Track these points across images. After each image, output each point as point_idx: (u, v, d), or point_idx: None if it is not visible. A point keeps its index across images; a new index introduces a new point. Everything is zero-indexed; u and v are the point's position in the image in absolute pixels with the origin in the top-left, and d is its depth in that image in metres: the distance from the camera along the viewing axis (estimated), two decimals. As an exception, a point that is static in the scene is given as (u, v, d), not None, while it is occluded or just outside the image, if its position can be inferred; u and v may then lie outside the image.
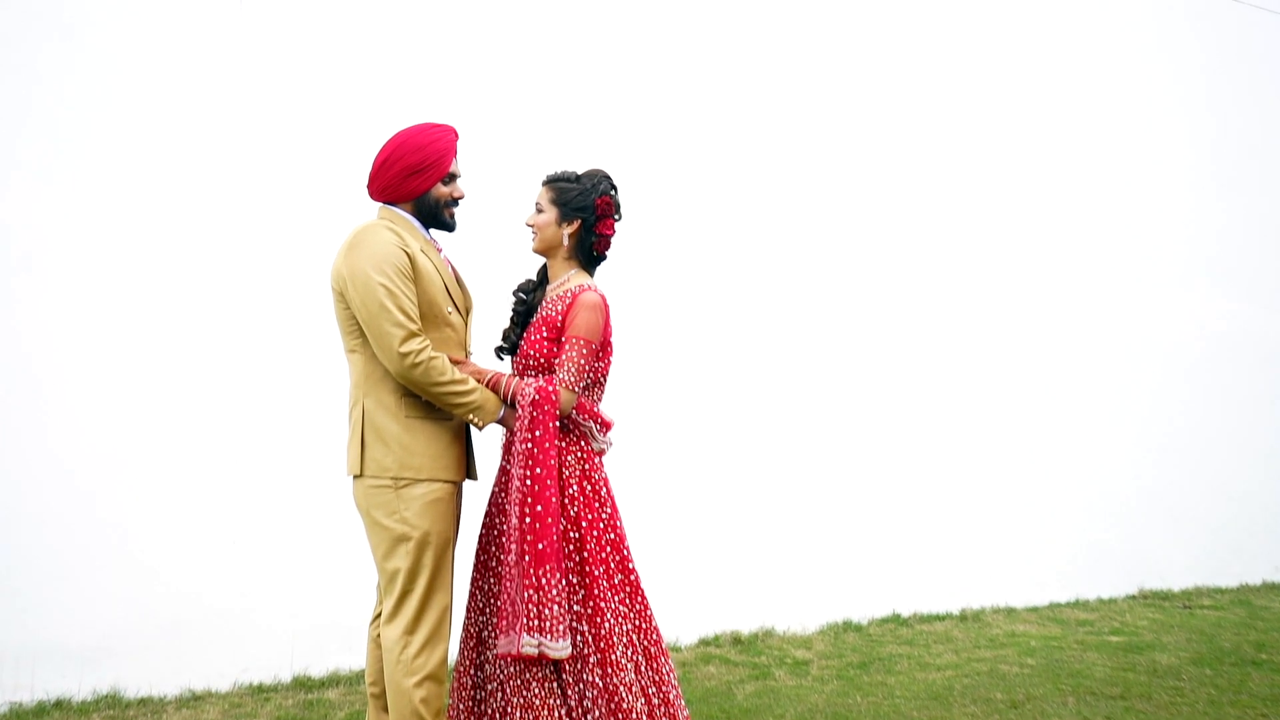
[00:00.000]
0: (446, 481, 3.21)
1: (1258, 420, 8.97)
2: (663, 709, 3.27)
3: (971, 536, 7.33)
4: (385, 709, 3.28)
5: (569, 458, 3.28)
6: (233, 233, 5.15)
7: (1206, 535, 8.41)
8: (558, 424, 3.21)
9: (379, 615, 3.36)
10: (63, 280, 4.85)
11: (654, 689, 3.29)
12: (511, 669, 3.17)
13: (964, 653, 5.91)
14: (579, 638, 3.18)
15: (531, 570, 3.07)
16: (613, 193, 3.42)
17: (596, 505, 3.29)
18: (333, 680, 5.11)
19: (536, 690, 3.14)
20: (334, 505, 3.98)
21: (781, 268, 6.87)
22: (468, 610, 3.40)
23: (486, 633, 3.32)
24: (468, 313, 3.42)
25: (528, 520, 3.11)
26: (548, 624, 3.06)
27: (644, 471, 5.52)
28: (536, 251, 3.46)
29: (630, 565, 3.35)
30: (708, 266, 6.59)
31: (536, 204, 3.41)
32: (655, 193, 6.14)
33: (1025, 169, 7.84)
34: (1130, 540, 8.04)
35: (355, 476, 3.21)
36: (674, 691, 3.33)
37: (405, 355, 3.04)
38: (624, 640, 3.25)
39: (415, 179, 3.25)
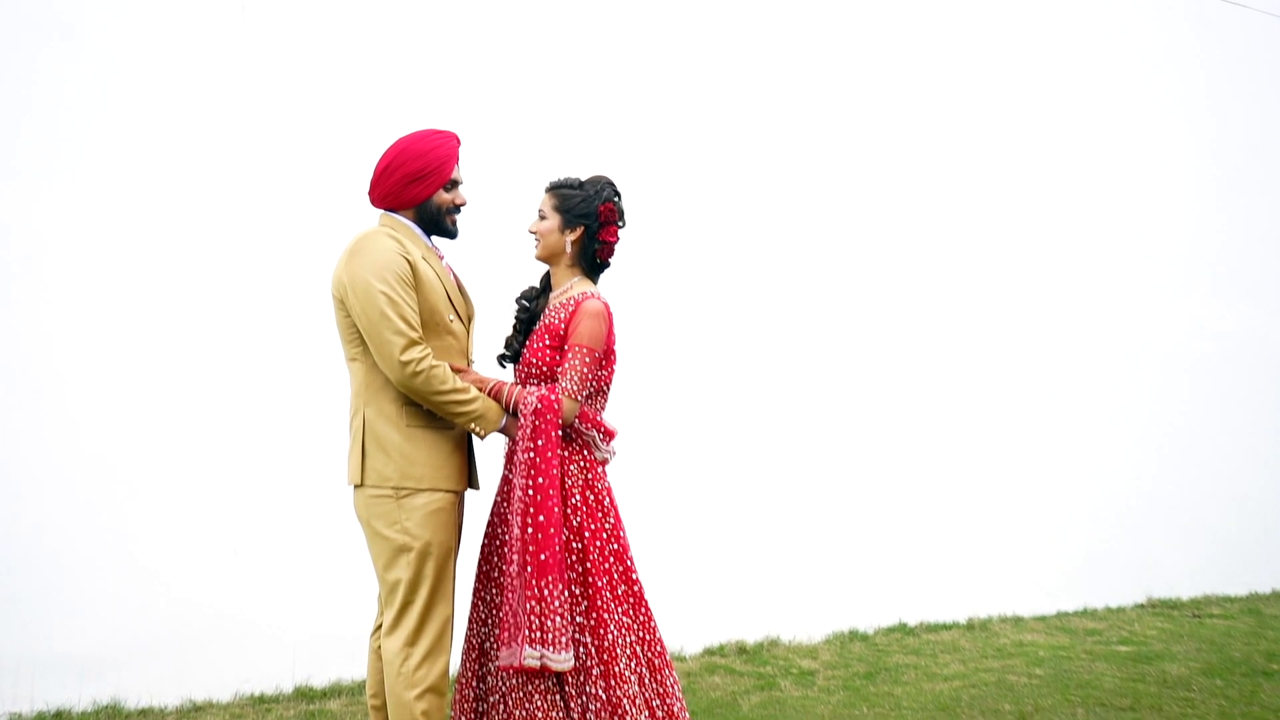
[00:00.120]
0: (448, 491, 3.17)
1: (1265, 426, 8.91)
2: (667, 722, 3.23)
3: (977, 544, 7.28)
4: (386, 721, 3.24)
5: (571, 467, 3.25)
6: (234, 239, 5.13)
7: (1214, 543, 8.36)
8: (560, 433, 3.17)
9: (380, 626, 3.32)
10: (63, 284, 4.84)
11: (658, 701, 3.25)
12: (514, 681, 3.14)
13: (971, 663, 5.86)
14: (582, 649, 3.14)
15: (534, 581, 3.03)
16: (616, 199, 3.39)
17: (599, 515, 3.26)
18: (334, 691, 5.07)
19: (539, 703, 3.10)
20: (336, 515, 3.94)
21: (786, 272, 6.84)
22: (470, 621, 3.36)
23: (489, 644, 3.29)
24: (469, 321, 3.39)
25: (530, 530, 3.07)
26: (550, 636, 3.02)
27: (647, 480, 5.48)
28: (539, 259, 3.43)
29: (634, 576, 3.31)
30: (712, 273, 6.56)
31: (539, 211, 3.38)
32: (659, 199, 6.11)
33: (1026, 176, 7.81)
34: (1138, 548, 7.98)
35: (356, 486, 3.17)
36: (678, 704, 3.29)
37: (406, 364, 3.01)
38: (627, 652, 3.21)
39: (417, 186, 3.22)
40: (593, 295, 3.30)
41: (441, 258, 3.32)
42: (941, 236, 7.43)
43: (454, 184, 3.30)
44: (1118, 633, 6.72)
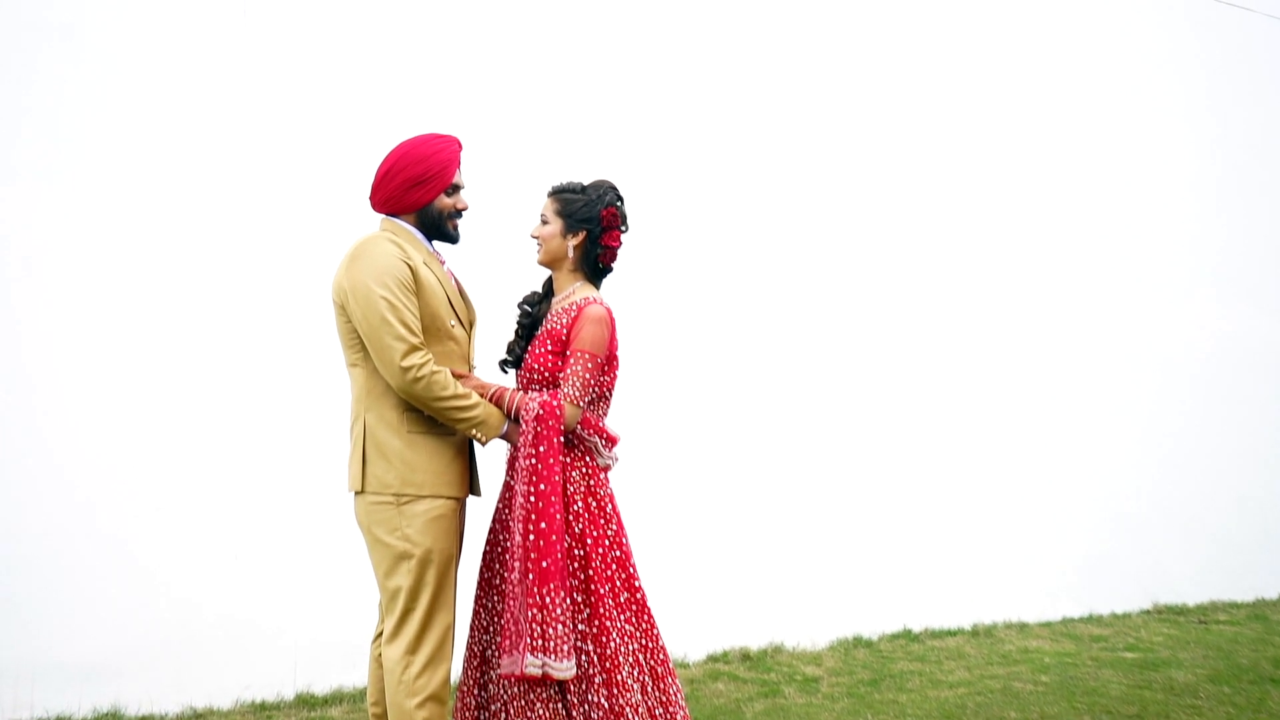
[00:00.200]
0: (449, 498, 3.15)
1: (1271, 430, 8.87)
2: (670, 731, 3.20)
3: (982, 550, 7.24)
4: (387, 729, 3.21)
5: (573, 473, 3.22)
6: (235, 244, 5.12)
7: (1220, 548, 8.31)
8: (562, 439, 3.14)
9: (380, 634, 3.30)
10: (64, 288, 4.82)
11: (661, 710, 3.22)
12: (515, 689, 3.11)
13: (976, 669, 5.83)
14: (584, 658, 3.12)
15: (535, 589, 3.01)
16: (619, 204, 3.37)
17: (602, 522, 3.23)
18: (336, 698, 5.05)
19: (541, 711, 3.07)
20: (338, 520, 3.92)
21: (789, 277, 6.82)
22: (471, 629, 3.34)
23: (490, 652, 3.26)
24: (471, 326, 3.36)
25: (531, 537, 3.04)
26: (552, 644, 2.99)
27: (650, 486, 5.46)
28: (542, 264, 3.41)
29: (636, 583, 3.28)
30: (716, 277, 6.54)
31: (541, 215, 3.36)
32: (663, 204, 6.09)
33: (1028, 181, 7.78)
34: (1143, 554, 7.94)
35: (356, 493, 3.15)
36: (681, 713, 3.26)
37: (407, 369, 2.99)
38: (630, 660, 3.18)
39: (418, 190, 3.20)
40: (595, 300, 3.28)
41: (443, 263, 3.30)
42: (944, 243, 7.41)
43: (456, 188, 3.28)
44: (1123, 639, 6.68)
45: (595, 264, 3.36)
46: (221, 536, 5.02)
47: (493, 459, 3.46)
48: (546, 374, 3.25)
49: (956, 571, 7.12)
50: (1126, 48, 8.22)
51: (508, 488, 3.31)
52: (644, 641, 3.26)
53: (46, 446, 4.75)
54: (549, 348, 3.25)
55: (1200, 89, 8.59)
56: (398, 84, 5.43)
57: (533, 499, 3.07)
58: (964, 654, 6.21)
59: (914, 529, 7.07)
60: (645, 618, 3.29)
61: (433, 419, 3.10)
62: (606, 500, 3.27)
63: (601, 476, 3.29)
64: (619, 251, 3.38)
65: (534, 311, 3.43)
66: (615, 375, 3.35)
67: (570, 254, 3.33)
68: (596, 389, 3.28)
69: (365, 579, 3.33)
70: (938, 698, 5.23)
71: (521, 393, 3.22)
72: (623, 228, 3.37)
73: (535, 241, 3.38)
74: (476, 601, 3.34)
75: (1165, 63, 8.36)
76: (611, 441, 3.31)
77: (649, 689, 3.22)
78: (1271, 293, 8.94)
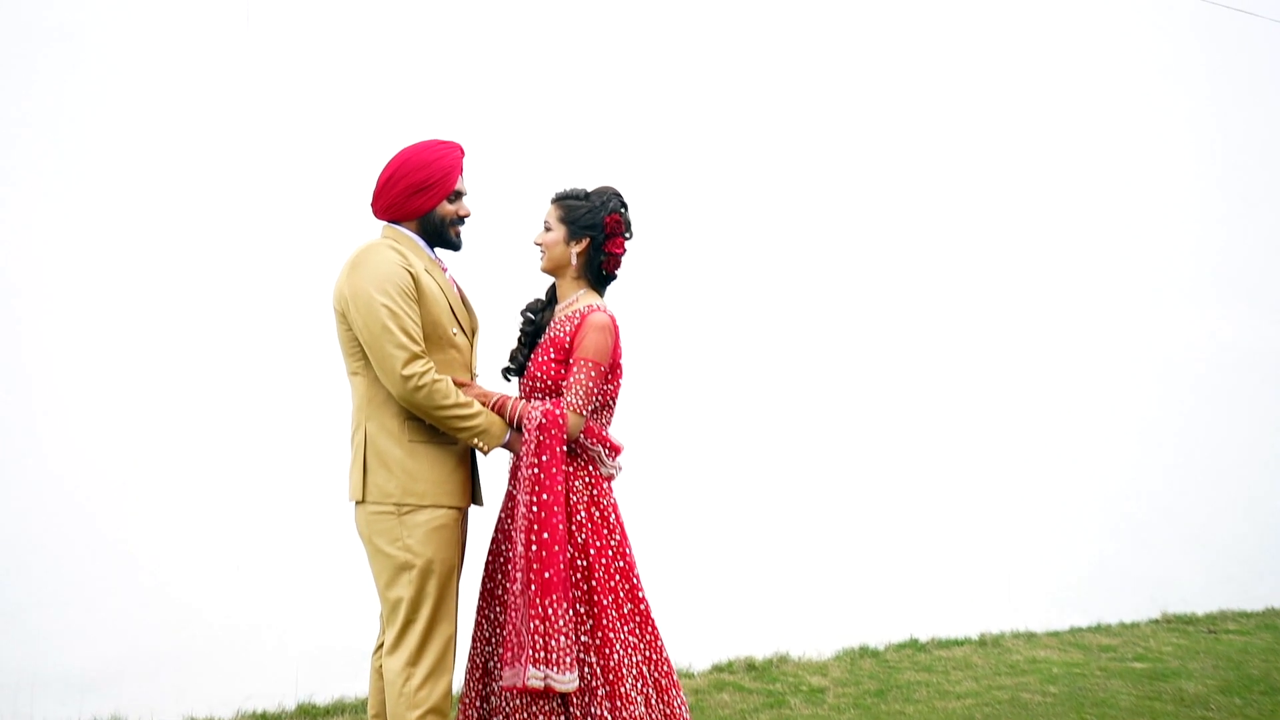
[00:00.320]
0: (451, 508, 3.11)
1: (1280, 439, 8.81)
2: (674, 744, 3.17)
3: (989, 559, 7.19)
4: (388, 741, 3.18)
5: (576, 483, 3.19)
6: (236, 253, 5.10)
7: (1230, 557, 8.24)
8: (565, 448, 3.11)
9: (381, 645, 3.27)
10: (64, 296, 4.80)
11: (665, 722, 3.18)
12: (517, 702, 3.07)
13: (984, 680, 5.78)
14: (587, 670, 3.08)
15: (537, 600, 2.97)
16: (623, 210, 3.34)
17: (605, 532, 3.19)
18: (338, 708, 5.02)
19: (543, 724, 3.03)
20: (340, 529, 3.90)
21: (795, 286, 6.78)
22: (473, 640, 3.30)
23: (493, 663, 3.23)
24: (473, 334, 3.33)
25: (533, 548, 3.01)
26: (554, 656, 2.95)
27: (654, 494, 5.43)
28: (545, 271, 3.38)
29: (640, 594, 3.25)
30: (721, 284, 6.51)
31: (545, 222, 3.33)
32: (667, 211, 6.07)
33: (1032, 189, 7.74)
34: (1151, 562, 7.88)
35: (357, 503, 3.12)
36: (685, 726, 3.22)
37: (408, 378, 2.96)
38: (634, 672, 3.14)
39: (420, 197, 3.17)
40: (599, 308, 3.24)
41: (445, 270, 3.28)
42: (950, 255, 7.37)
43: (458, 195, 3.25)
44: (1132, 649, 6.62)
45: (599, 271, 3.33)
46: (223, 545, 4.99)
47: (495, 468, 3.42)
48: (549, 382, 3.21)
49: (963, 581, 7.07)
50: (1128, 51, 8.19)
51: (510, 497, 3.28)
52: (648, 653, 3.23)
53: (46, 453, 4.73)
54: (552, 356, 3.22)
55: (1202, 92, 8.55)
56: (400, 91, 5.41)
57: (535, 509, 3.03)
58: (971, 664, 6.16)
59: (920, 538, 7.02)
60: (649, 629, 3.25)
61: (434, 428, 3.07)
62: (610, 510, 3.23)
63: (605, 486, 3.25)
64: (623, 259, 3.35)
65: (537, 319, 3.41)
66: (619, 384, 3.32)
67: (574, 261, 3.30)
68: (600, 397, 3.24)
69: (367, 588, 3.30)
70: (945, 709, 5.18)
71: (524, 401, 3.19)
72: (627, 235, 3.34)
73: (538, 248, 3.35)
74: (479, 612, 3.31)
75: (1167, 66, 8.33)
76: (615, 450, 3.28)
77: (653, 701, 3.18)
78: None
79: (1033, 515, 7.55)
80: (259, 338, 5.07)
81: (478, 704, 3.23)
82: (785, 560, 6.48)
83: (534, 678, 2.93)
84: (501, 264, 4.36)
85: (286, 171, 5.15)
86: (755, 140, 6.67)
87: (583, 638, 3.09)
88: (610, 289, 3.41)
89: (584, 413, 3.15)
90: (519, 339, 3.42)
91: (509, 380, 3.41)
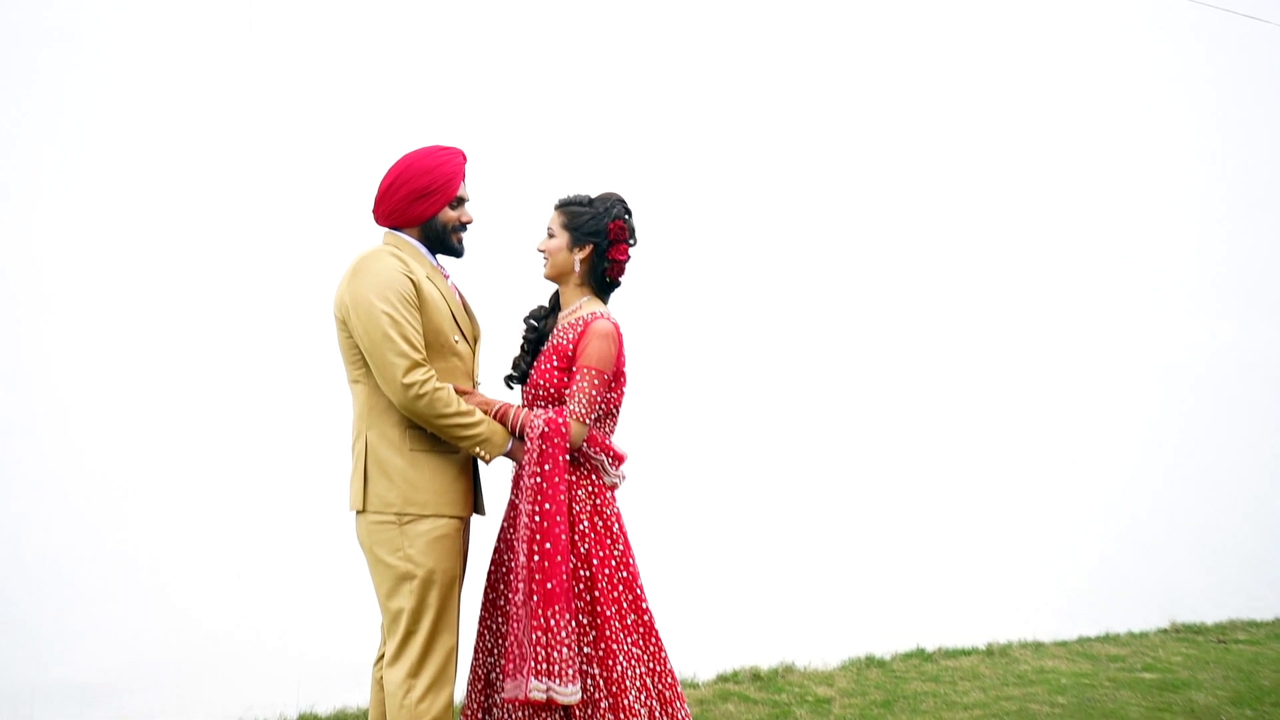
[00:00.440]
0: (452, 517, 3.08)
1: (1291, 447, 8.74)
2: (678, 757, 3.12)
3: (996, 568, 7.14)
4: (388, 754, 3.14)
5: (579, 492, 3.15)
6: (237, 259, 5.08)
7: (1239, 566, 8.18)
8: (568, 457, 3.07)
9: (382, 656, 3.23)
10: (66, 300, 4.79)
11: (669, 735, 3.14)
12: (520, 714, 3.04)
13: (992, 690, 5.72)
14: (590, 681, 3.04)
15: (540, 611, 2.93)
16: (626, 217, 3.31)
17: (608, 542, 3.16)
18: (339, 718, 4.98)
19: (545, 737, 2.99)
20: (342, 539, 3.86)
21: (802, 296, 6.75)
22: (475, 651, 3.27)
23: (494, 675, 3.19)
24: (475, 341, 3.30)
25: (536, 558, 2.97)
26: (556, 667, 2.91)
27: (658, 504, 5.38)
28: (548, 278, 3.35)
29: (644, 605, 3.21)
30: (726, 292, 6.48)
31: (548, 229, 3.30)
32: (672, 217, 6.04)
33: (1034, 194, 7.71)
34: (1160, 571, 7.82)
35: (358, 512, 3.09)
36: (690, 738, 3.18)
37: (409, 386, 2.93)
38: (637, 684, 3.10)
39: (422, 203, 3.15)
40: (602, 315, 3.21)
41: (447, 277, 3.25)
42: (955, 260, 7.34)
43: (460, 201, 3.23)
44: (1141, 659, 6.55)
45: (602, 278, 3.30)
46: (225, 554, 4.97)
47: (497, 477, 3.39)
48: (552, 390, 3.18)
49: (970, 590, 7.02)
50: (1129, 55, 8.16)
51: (512, 506, 3.24)
52: (651, 665, 3.18)
53: (47, 463, 4.71)
54: (555, 363, 3.19)
55: (1203, 96, 8.52)
56: (402, 96, 5.39)
57: (537, 518, 3.00)
58: (979, 674, 6.10)
59: (927, 547, 6.97)
60: (653, 640, 3.21)
61: (436, 437, 3.04)
62: (613, 519, 3.20)
63: (608, 495, 3.22)
64: (626, 265, 3.32)
65: (540, 326, 3.37)
66: (622, 392, 3.28)
67: (577, 268, 3.27)
68: (603, 405, 3.21)
69: (369, 598, 3.27)
70: (952, 719, 5.13)
71: (526, 410, 3.16)
72: (630, 241, 3.30)
73: (541, 255, 3.32)
74: (481, 623, 3.27)
75: (1168, 70, 8.30)
76: (618, 459, 3.24)
77: (657, 713, 3.14)
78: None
79: (1040, 524, 7.49)
80: (260, 345, 5.05)
81: (479, 716, 3.19)
82: (791, 570, 6.43)
83: (536, 690, 2.89)
84: (504, 271, 4.33)
85: (287, 176, 5.13)
86: (758, 146, 6.64)
87: (585, 649, 3.06)
88: (614, 296, 3.38)
89: (587, 421, 3.12)
90: (522, 346, 3.39)
91: (511, 388, 3.38)
